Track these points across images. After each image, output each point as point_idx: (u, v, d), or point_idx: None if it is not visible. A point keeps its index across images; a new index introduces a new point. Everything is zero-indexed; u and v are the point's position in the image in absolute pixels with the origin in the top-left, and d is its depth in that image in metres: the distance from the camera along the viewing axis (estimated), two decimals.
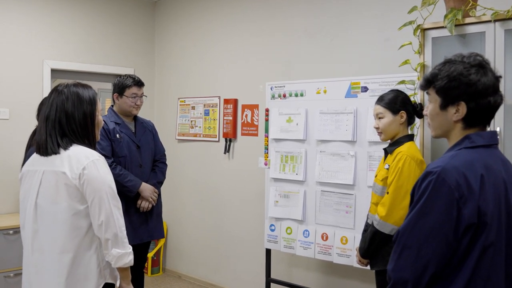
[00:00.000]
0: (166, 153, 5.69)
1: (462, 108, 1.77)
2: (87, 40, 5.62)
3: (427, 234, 1.65)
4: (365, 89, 3.74)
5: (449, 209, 1.64)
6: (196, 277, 5.69)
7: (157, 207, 4.15)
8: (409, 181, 2.91)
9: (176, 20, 5.92)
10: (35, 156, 2.44)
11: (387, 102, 3.12)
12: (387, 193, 2.99)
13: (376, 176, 3.19)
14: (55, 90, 2.43)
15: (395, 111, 3.10)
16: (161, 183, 4.21)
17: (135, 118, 4.16)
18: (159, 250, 5.99)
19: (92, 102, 2.44)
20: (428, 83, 1.84)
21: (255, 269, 4.96)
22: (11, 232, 4.46)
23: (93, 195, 2.30)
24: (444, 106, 1.81)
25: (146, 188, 3.97)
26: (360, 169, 3.76)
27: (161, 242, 6.00)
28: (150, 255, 5.88)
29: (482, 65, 1.76)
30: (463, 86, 1.75)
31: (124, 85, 4.01)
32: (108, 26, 5.79)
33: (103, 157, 2.41)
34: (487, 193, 1.67)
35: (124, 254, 2.36)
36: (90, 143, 2.44)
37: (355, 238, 3.77)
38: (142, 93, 4.11)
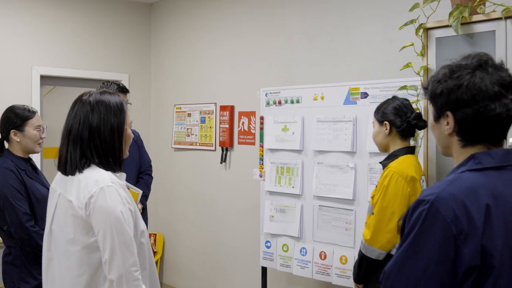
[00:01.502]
0: (162, 162, 5.40)
1: (450, 120, 1.46)
2: (79, 44, 5.38)
3: (417, 279, 1.33)
4: (365, 95, 3.43)
5: (445, 248, 1.31)
6: None
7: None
8: (395, 201, 2.61)
9: (173, 23, 5.66)
10: (59, 173, 2.12)
11: (375, 111, 2.88)
12: (373, 213, 2.70)
13: (371, 193, 2.89)
14: (79, 101, 2.08)
15: (380, 121, 2.82)
16: (146, 197, 3.94)
17: None
18: (155, 264, 5.70)
19: (120, 113, 2.09)
20: (425, 91, 1.54)
21: (253, 286, 4.66)
22: None
23: (98, 228, 1.93)
24: (436, 118, 1.51)
25: None
26: (360, 182, 3.45)
27: (158, 255, 5.73)
28: None
29: (480, 66, 1.43)
30: (445, 92, 1.44)
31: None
32: (102, 30, 5.54)
33: (118, 182, 2.01)
34: (495, 228, 1.33)
35: None
36: (115, 162, 2.07)
37: (355, 258, 3.45)
38: (127, 100, 3.84)
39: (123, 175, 2.14)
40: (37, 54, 5.10)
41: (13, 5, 4.96)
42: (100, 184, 1.95)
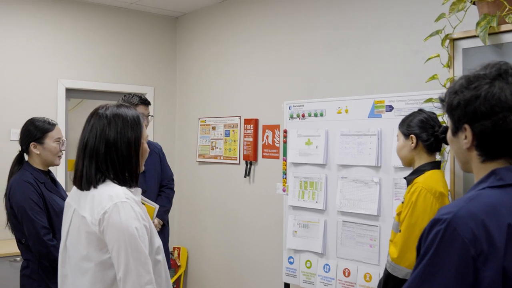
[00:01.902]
0: (186, 176, 5.37)
1: (468, 133, 1.37)
2: (104, 58, 5.41)
3: None
4: (390, 108, 3.34)
5: (463, 271, 1.21)
6: None
7: (163, 236, 3.84)
8: (424, 218, 2.50)
9: (197, 36, 5.66)
10: (74, 187, 2.09)
11: (400, 124, 2.77)
12: (400, 230, 2.59)
13: (396, 209, 2.79)
14: (95, 114, 2.05)
15: (406, 134, 2.72)
16: (167, 211, 3.90)
17: None
18: (179, 278, 5.67)
19: (137, 126, 2.04)
20: (442, 104, 1.45)
21: None
22: None
23: (112, 245, 1.88)
24: (454, 131, 1.42)
25: None
26: (385, 198, 3.35)
27: (182, 269, 5.69)
28: None
29: (500, 76, 1.33)
30: (462, 104, 1.35)
31: (130, 103, 3.74)
32: (127, 43, 5.57)
33: (132, 198, 1.96)
34: None
35: None
36: (132, 176, 2.03)
37: (380, 276, 3.34)
38: (149, 113, 3.83)
39: (139, 190, 2.10)
40: (62, 67, 5.14)
41: (40, 19, 5.02)
42: (114, 200, 1.91)
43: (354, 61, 3.99)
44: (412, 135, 2.70)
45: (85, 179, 1.99)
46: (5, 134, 4.77)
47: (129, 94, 3.84)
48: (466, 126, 1.36)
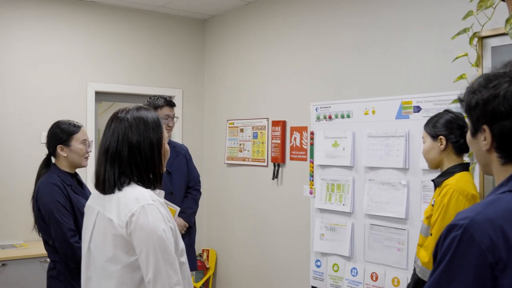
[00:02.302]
0: (215, 178, 5.37)
1: (487, 134, 1.30)
2: (133, 61, 5.45)
3: None
4: (417, 109, 3.27)
5: (481, 280, 1.15)
6: None
7: (189, 238, 3.84)
8: None
9: (225, 38, 5.66)
10: (95, 191, 2.10)
11: (427, 125, 2.70)
12: (431, 234, 2.52)
13: (424, 212, 2.72)
14: (115, 118, 2.05)
15: (434, 136, 2.64)
16: (194, 213, 3.90)
17: (168, 142, 3.88)
18: (208, 280, 5.67)
19: (159, 128, 2.06)
20: (461, 104, 1.39)
21: None
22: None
23: (140, 247, 1.88)
24: (473, 132, 1.35)
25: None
26: (413, 200, 3.28)
27: (210, 271, 5.69)
28: (198, 285, 5.58)
29: None
30: (480, 103, 1.29)
31: (155, 105, 3.77)
32: (156, 46, 5.60)
33: (158, 200, 1.98)
34: None
35: None
36: (156, 177, 2.05)
37: (408, 280, 3.27)
38: (174, 114, 3.83)
39: (162, 192, 2.10)
40: (92, 71, 5.20)
41: (69, 23, 5.08)
42: (141, 203, 1.91)
43: (381, 61, 3.93)
44: (441, 137, 2.63)
45: (108, 183, 1.99)
46: (36, 137, 4.84)
47: (154, 96, 3.85)
48: (485, 127, 1.29)
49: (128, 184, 1.98)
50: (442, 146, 2.63)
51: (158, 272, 1.86)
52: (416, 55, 3.65)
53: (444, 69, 3.38)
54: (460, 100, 1.38)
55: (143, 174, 2.00)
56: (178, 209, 3.01)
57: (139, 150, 1.99)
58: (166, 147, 2.11)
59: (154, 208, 1.92)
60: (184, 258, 2.05)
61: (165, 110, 3.76)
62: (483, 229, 1.18)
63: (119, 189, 1.97)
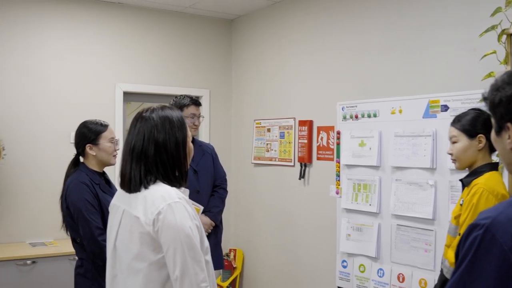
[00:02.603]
0: (242, 177, 5.37)
1: (511, 132, 1.27)
2: (160, 61, 5.50)
3: None
4: (445, 108, 3.22)
5: (502, 280, 1.12)
6: None
7: (216, 236, 3.85)
8: None
9: (252, 38, 5.66)
10: (120, 189, 2.14)
11: (463, 124, 2.60)
12: (459, 234, 2.47)
13: (452, 212, 2.67)
14: (140, 118, 2.08)
15: (471, 135, 2.57)
16: (221, 211, 3.90)
17: (193, 140, 3.90)
18: (234, 280, 5.68)
19: (183, 126, 2.09)
20: (485, 102, 1.36)
21: None
22: None
23: (168, 245, 1.90)
24: (498, 131, 1.32)
25: (201, 223, 3.69)
26: (440, 201, 3.23)
27: (237, 271, 5.70)
28: (225, 284, 5.59)
29: None
30: (504, 101, 1.25)
31: (181, 104, 3.79)
32: (183, 47, 5.63)
33: (184, 198, 2.00)
34: None
35: None
36: (182, 175, 2.08)
37: (436, 281, 3.22)
38: (200, 113, 3.85)
39: (187, 191, 2.12)
40: (120, 71, 5.26)
41: (98, 24, 5.15)
42: (168, 200, 1.92)
43: (408, 60, 3.88)
44: (481, 135, 2.56)
45: (134, 182, 2.01)
46: (65, 138, 4.92)
47: (181, 95, 3.88)
48: (509, 125, 1.26)
49: (154, 182, 2.00)
50: (481, 145, 2.56)
51: (186, 269, 1.88)
52: (444, 53, 3.59)
53: (472, 67, 3.32)
54: (484, 98, 1.35)
55: (169, 172, 2.02)
56: (201, 208, 3.02)
57: (165, 149, 2.01)
58: (190, 145, 2.14)
59: (181, 206, 1.94)
60: (209, 257, 2.06)
61: (191, 109, 3.78)
62: (505, 229, 1.15)
63: (145, 187, 1.99)
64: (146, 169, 2.01)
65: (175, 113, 2.10)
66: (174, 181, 2.04)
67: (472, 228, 1.20)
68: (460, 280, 1.19)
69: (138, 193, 2.00)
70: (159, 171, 2.01)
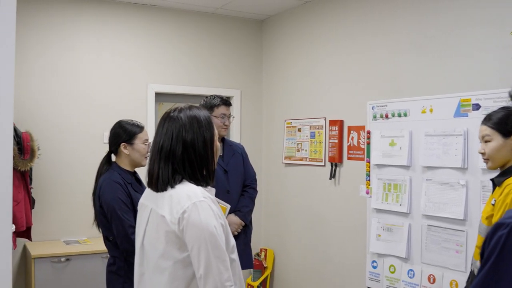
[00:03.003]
0: (273, 177, 5.37)
1: None
2: (192, 62, 5.55)
3: None
4: (476, 106, 3.17)
5: None
6: None
7: (245, 236, 3.87)
8: None
9: (283, 38, 5.66)
10: (147, 188, 2.17)
11: (496, 122, 2.54)
12: None
13: (483, 212, 2.62)
14: (168, 117, 2.10)
15: (506, 133, 2.51)
16: (250, 211, 3.92)
17: (223, 140, 3.93)
18: (265, 280, 5.69)
19: (211, 126, 2.11)
20: (511, 99, 1.34)
21: None
22: None
23: (192, 244, 1.92)
24: None
25: (230, 223, 3.72)
26: (472, 201, 3.18)
27: (268, 271, 5.71)
28: (256, 284, 5.61)
29: None
30: None
31: (212, 104, 3.81)
32: (214, 47, 5.68)
33: (209, 197, 2.02)
34: None
35: None
36: (209, 174, 2.10)
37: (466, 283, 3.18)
38: (230, 113, 3.87)
39: (213, 190, 2.13)
40: (152, 72, 5.33)
41: (130, 25, 5.23)
42: (193, 199, 1.94)
43: (439, 58, 3.83)
44: None
45: (161, 181, 2.03)
46: (98, 137, 5.02)
47: (211, 95, 3.90)
48: None
49: (181, 181, 2.02)
50: None
51: (209, 268, 1.88)
52: (475, 51, 3.54)
53: (504, 65, 3.25)
54: (510, 95, 1.33)
55: (196, 171, 2.04)
56: (228, 206, 3.04)
57: (193, 148, 2.03)
58: (217, 144, 2.15)
59: (206, 205, 1.95)
60: (235, 255, 2.07)
61: (221, 109, 3.80)
62: None
63: (172, 187, 2.01)
64: (173, 168, 2.03)
65: (202, 113, 2.12)
66: (201, 180, 2.06)
67: (497, 227, 1.19)
68: (485, 280, 1.18)
69: (164, 192, 2.02)
70: (186, 171, 2.03)
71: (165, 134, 2.06)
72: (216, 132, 2.14)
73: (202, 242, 1.90)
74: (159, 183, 2.04)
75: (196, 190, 1.99)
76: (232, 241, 2.08)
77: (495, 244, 1.18)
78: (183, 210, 1.92)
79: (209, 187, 2.09)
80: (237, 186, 3.90)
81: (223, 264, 1.91)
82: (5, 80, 2.09)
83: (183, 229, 1.92)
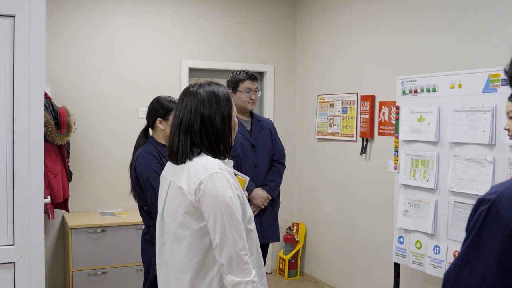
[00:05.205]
0: (306, 152, 5.36)
1: None
2: (225, 38, 5.58)
3: None
4: (506, 82, 3.10)
5: (505, 258, 1.11)
6: (332, 285, 5.36)
7: (273, 209, 3.93)
8: None
9: (316, 14, 5.63)
10: (169, 162, 2.25)
11: None
12: None
13: None
14: (188, 93, 2.16)
15: None
16: (278, 185, 3.97)
17: (252, 115, 3.97)
18: (297, 253, 5.76)
19: (229, 102, 2.17)
20: (506, 76, 1.33)
21: (387, 281, 4.49)
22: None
23: (208, 213, 1.99)
24: None
25: (257, 196, 3.79)
26: (499, 178, 3.14)
27: (299, 245, 5.78)
28: (287, 257, 5.69)
29: None
30: None
31: (237, 79, 3.86)
32: (248, 23, 5.69)
33: (226, 169, 2.07)
34: None
35: (240, 283, 1.96)
36: (226, 148, 2.16)
37: None
38: (257, 88, 3.91)
39: (231, 162, 2.19)
40: (185, 48, 5.39)
41: (165, 4, 5.29)
42: (209, 171, 2.00)
43: (471, 32, 3.75)
44: None
45: (181, 153, 2.11)
46: (133, 112, 5.14)
47: (237, 70, 3.94)
48: None
49: (199, 154, 2.09)
50: None
51: (225, 237, 1.95)
52: (508, 26, 3.46)
53: None
54: (505, 72, 1.32)
55: (213, 145, 2.10)
56: (247, 178, 3.08)
57: (211, 122, 2.09)
58: (235, 120, 2.20)
59: (222, 176, 2.01)
60: (252, 226, 2.14)
61: (247, 84, 3.84)
62: (510, 204, 1.13)
63: (190, 159, 2.08)
64: (192, 141, 2.09)
65: (221, 89, 2.17)
66: (218, 154, 2.12)
67: (479, 203, 1.19)
68: (465, 255, 1.19)
69: (183, 165, 2.09)
70: (204, 144, 2.09)
71: (184, 109, 2.12)
72: (234, 108, 2.19)
73: (218, 212, 1.96)
74: (179, 156, 2.11)
75: (213, 162, 2.05)
76: (249, 212, 2.14)
77: (476, 219, 1.18)
78: (200, 181, 1.99)
79: (227, 159, 2.15)
80: (264, 161, 3.95)
81: (238, 233, 1.97)
82: (37, 59, 2.19)
83: (200, 199, 1.99)
